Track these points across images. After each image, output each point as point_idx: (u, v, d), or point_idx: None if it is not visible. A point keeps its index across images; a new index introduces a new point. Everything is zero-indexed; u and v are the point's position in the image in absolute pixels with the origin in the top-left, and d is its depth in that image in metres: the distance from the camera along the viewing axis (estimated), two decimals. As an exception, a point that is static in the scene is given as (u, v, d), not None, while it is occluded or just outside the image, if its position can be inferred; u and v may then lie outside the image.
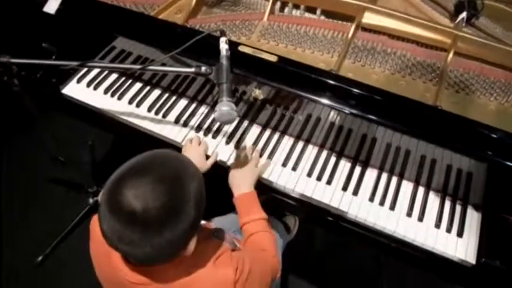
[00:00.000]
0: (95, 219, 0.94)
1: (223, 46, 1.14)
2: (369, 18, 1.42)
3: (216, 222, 1.40)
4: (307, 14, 1.51)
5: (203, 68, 1.11)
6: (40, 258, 1.90)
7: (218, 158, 1.31)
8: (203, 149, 1.29)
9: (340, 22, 1.45)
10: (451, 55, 1.33)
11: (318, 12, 1.49)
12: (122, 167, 0.79)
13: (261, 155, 1.33)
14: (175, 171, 0.79)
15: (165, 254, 0.79)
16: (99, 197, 0.79)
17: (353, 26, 1.38)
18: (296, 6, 1.52)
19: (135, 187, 0.73)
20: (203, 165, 1.23)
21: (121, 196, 0.73)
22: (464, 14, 1.35)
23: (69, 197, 2.11)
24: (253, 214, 1.13)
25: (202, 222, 1.26)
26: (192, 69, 1.12)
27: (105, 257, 0.89)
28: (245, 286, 0.88)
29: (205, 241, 0.95)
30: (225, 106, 1.04)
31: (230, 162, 1.30)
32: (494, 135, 1.11)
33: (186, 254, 0.82)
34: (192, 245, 0.82)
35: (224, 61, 1.11)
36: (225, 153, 1.33)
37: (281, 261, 1.09)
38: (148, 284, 0.84)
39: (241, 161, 1.25)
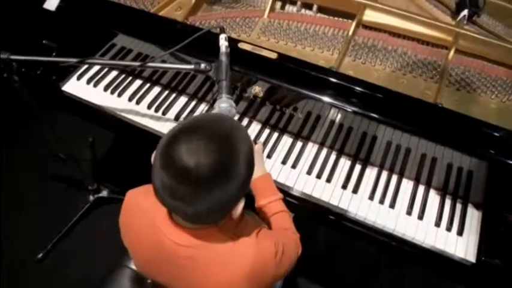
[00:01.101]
0: (131, 192, 0.97)
1: (223, 43, 1.14)
2: (370, 16, 1.41)
3: None
4: (307, 12, 1.51)
5: (202, 65, 1.11)
6: (40, 255, 1.90)
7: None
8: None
9: (340, 19, 1.45)
10: (452, 53, 1.32)
11: (314, 8, 1.49)
12: (173, 128, 0.80)
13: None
14: (226, 130, 0.80)
15: (214, 212, 0.79)
16: (152, 156, 0.80)
17: (354, 24, 1.38)
18: (296, 4, 1.52)
19: (187, 143, 0.74)
20: None
21: (174, 152, 0.74)
22: (465, 12, 1.34)
23: (69, 194, 2.11)
24: (271, 195, 1.13)
25: None
26: (192, 66, 1.12)
27: (146, 225, 0.90)
28: (282, 259, 0.91)
29: (243, 218, 0.97)
30: (224, 103, 1.04)
31: None
32: (495, 134, 1.11)
33: (234, 217, 0.84)
34: (240, 207, 0.83)
35: (223, 58, 1.11)
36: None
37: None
38: (193, 246, 0.85)
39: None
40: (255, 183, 1.15)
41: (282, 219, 1.11)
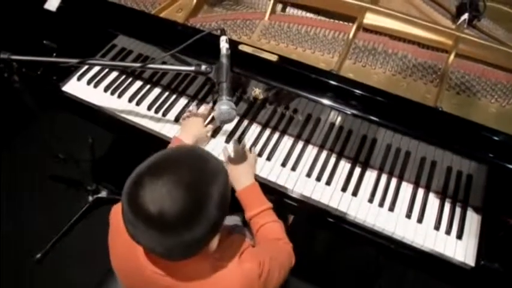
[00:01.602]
0: (115, 209, 0.96)
1: (224, 45, 1.14)
2: (370, 19, 1.41)
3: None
4: (308, 14, 1.51)
5: (203, 67, 1.11)
6: (39, 255, 1.90)
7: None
8: (201, 117, 1.31)
9: (341, 22, 1.45)
10: (452, 56, 1.32)
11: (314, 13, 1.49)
12: (139, 166, 0.77)
13: (260, 155, 1.33)
14: (195, 174, 0.76)
15: (186, 250, 0.78)
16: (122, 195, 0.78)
17: (354, 27, 1.38)
18: (297, 6, 1.52)
19: (151, 191, 0.72)
20: (202, 132, 1.26)
21: (138, 198, 0.72)
22: (466, 16, 1.34)
23: (69, 195, 2.11)
24: (259, 206, 1.13)
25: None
26: (192, 68, 1.12)
27: (127, 247, 0.89)
28: (267, 278, 0.89)
29: (228, 237, 0.96)
30: (225, 105, 1.04)
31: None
32: (495, 138, 1.11)
33: (209, 251, 0.82)
34: (214, 243, 0.82)
35: (224, 60, 1.11)
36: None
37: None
38: (173, 276, 0.84)
39: (239, 156, 1.25)
40: (243, 194, 1.15)
41: (272, 229, 1.10)
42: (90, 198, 2.04)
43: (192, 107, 1.40)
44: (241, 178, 1.18)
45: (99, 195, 2.05)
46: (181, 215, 0.72)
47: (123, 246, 0.90)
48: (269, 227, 1.10)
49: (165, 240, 0.74)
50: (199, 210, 0.74)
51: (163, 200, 0.71)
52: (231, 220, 1.37)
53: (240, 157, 1.24)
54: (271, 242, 1.07)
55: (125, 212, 0.75)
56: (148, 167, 0.76)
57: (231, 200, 0.84)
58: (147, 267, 0.85)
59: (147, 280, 0.87)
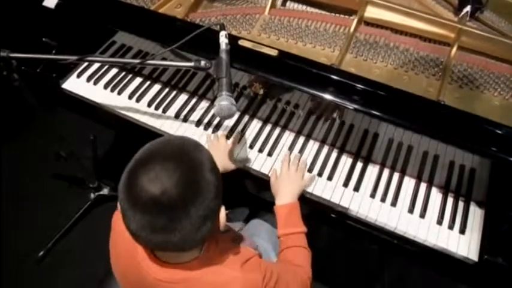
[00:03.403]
0: (116, 214, 0.93)
1: (223, 40, 1.13)
2: (372, 12, 1.40)
3: (251, 225, 1.40)
4: (308, 8, 1.50)
5: (202, 62, 1.10)
6: (41, 253, 1.90)
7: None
8: (225, 144, 1.29)
9: (342, 16, 1.44)
10: (454, 49, 1.31)
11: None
12: (128, 165, 0.77)
13: (261, 151, 1.32)
14: (178, 145, 0.78)
15: (199, 229, 0.75)
16: (118, 201, 0.77)
17: (355, 20, 1.37)
18: (297, 0, 1.51)
19: (146, 173, 0.72)
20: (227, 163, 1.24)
21: (137, 187, 0.72)
22: (468, 8, 1.33)
23: (70, 192, 2.11)
24: (294, 227, 1.10)
25: (228, 224, 1.24)
26: (192, 64, 1.11)
27: (128, 253, 0.87)
28: None
29: (232, 244, 0.95)
30: (225, 100, 1.03)
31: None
32: (498, 131, 1.10)
33: (220, 226, 0.81)
34: (222, 214, 0.80)
35: (224, 55, 1.10)
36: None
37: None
38: (175, 282, 0.83)
39: (288, 170, 1.22)
40: (280, 210, 1.13)
41: (297, 254, 1.07)
42: (92, 196, 2.04)
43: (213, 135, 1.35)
44: (285, 193, 1.16)
45: (101, 193, 2.04)
46: (183, 185, 0.72)
47: (125, 251, 0.89)
48: (295, 251, 1.08)
49: (177, 222, 0.72)
50: (197, 175, 0.74)
51: (161, 177, 0.71)
52: (233, 226, 1.36)
53: (289, 173, 1.22)
54: (289, 265, 1.04)
55: (129, 213, 0.74)
56: (135, 161, 0.77)
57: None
58: (149, 273, 0.84)
59: (149, 286, 0.85)
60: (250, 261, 0.89)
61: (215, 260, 0.84)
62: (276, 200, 1.17)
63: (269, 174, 1.27)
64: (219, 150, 1.26)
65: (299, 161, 1.27)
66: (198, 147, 0.80)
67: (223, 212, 0.81)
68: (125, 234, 0.76)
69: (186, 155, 0.76)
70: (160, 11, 1.48)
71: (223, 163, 1.23)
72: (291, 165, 1.24)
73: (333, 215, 1.26)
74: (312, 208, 1.27)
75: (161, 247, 0.78)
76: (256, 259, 0.91)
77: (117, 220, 0.93)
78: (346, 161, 1.31)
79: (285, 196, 1.16)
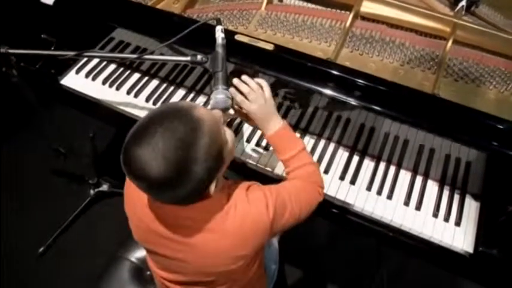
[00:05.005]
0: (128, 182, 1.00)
1: (219, 35, 1.13)
2: (368, 7, 1.41)
3: None
4: (305, 4, 1.50)
5: (199, 57, 1.11)
6: (41, 249, 1.92)
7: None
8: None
9: (338, 11, 1.44)
10: (450, 43, 1.31)
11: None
12: (125, 140, 0.84)
13: (258, 144, 1.33)
14: (169, 108, 0.84)
15: (204, 182, 0.83)
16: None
17: (351, 15, 1.37)
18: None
19: (145, 148, 0.78)
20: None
21: (136, 164, 0.79)
22: (463, 2, 1.33)
23: (70, 189, 2.12)
24: (291, 149, 1.08)
25: None
26: (188, 58, 1.12)
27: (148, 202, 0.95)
28: (276, 210, 0.93)
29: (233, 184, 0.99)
30: (221, 94, 1.04)
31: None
32: (493, 124, 1.10)
33: (228, 158, 0.90)
34: (230, 138, 0.90)
35: (220, 49, 1.11)
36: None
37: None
38: (191, 209, 0.88)
39: (257, 95, 1.08)
40: (277, 136, 1.09)
41: (304, 172, 1.07)
42: (92, 192, 2.05)
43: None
44: (269, 120, 1.08)
45: (101, 189, 2.06)
46: (180, 143, 0.77)
47: (141, 197, 0.95)
48: (302, 171, 1.07)
49: (180, 183, 0.79)
50: (194, 133, 0.79)
51: (157, 146, 0.76)
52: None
53: (258, 97, 1.08)
54: (296, 181, 1.06)
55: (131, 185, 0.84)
56: (130, 137, 0.83)
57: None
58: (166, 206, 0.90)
59: (167, 216, 0.92)
60: (252, 188, 0.97)
61: (224, 189, 0.94)
62: (264, 130, 1.10)
63: (265, 168, 1.27)
64: None
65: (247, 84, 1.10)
66: (191, 104, 0.86)
67: (231, 136, 0.91)
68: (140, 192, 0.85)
69: (179, 111, 0.82)
70: (158, 6, 1.49)
71: None
72: (246, 94, 1.08)
73: (330, 209, 1.26)
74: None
75: (172, 202, 0.87)
76: (256, 185, 1.00)
77: (128, 185, 1.01)
78: (342, 154, 1.32)
79: (272, 122, 1.08)
